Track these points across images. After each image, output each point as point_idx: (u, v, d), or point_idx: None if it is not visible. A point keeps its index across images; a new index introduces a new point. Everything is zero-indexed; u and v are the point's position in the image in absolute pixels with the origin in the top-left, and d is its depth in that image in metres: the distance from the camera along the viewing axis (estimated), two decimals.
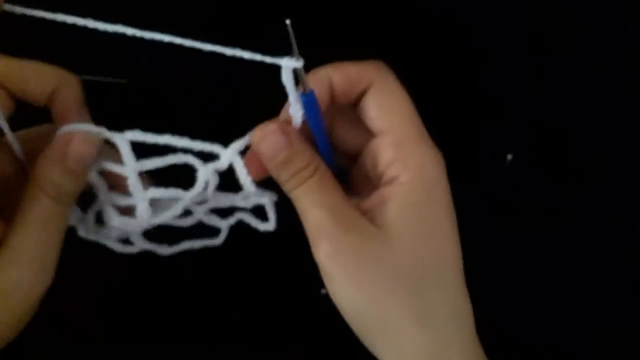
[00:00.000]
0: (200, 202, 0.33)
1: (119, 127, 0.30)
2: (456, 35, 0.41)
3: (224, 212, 0.34)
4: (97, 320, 0.40)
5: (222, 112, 0.40)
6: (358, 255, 0.26)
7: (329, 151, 0.30)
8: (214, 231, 0.34)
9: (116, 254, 0.33)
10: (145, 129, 0.30)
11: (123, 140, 0.29)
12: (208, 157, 0.31)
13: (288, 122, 0.29)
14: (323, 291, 0.29)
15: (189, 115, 0.40)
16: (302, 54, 0.27)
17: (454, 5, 0.40)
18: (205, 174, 0.30)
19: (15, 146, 0.29)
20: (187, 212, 0.33)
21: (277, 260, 0.39)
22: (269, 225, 0.33)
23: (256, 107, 0.38)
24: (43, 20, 0.39)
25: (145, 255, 0.33)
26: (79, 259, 0.31)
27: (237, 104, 0.40)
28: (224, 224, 0.34)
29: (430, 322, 0.26)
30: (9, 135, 0.29)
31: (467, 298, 0.28)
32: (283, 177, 0.28)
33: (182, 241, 0.34)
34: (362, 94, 0.28)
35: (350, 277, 0.26)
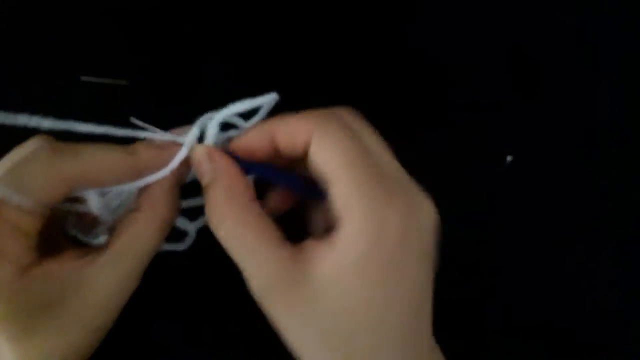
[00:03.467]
0: None
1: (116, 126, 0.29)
2: (456, 35, 0.41)
3: (193, 215, 0.33)
4: None
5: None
6: (283, 297, 0.26)
7: (296, 183, 0.30)
8: (181, 235, 0.34)
9: None
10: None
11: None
12: None
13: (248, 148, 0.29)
14: None
15: (189, 115, 0.40)
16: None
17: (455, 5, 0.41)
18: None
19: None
20: None
21: None
22: None
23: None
24: (43, 20, 0.39)
25: None
26: None
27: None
28: (192, 227, 0.33)
29: None
30: None
31: (414, 342, 0.27)
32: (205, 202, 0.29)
33: None
34: (308, 146, 0.27)
35: (275, 316, 0.26)
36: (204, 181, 0.28)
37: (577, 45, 0.41)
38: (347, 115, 0.28)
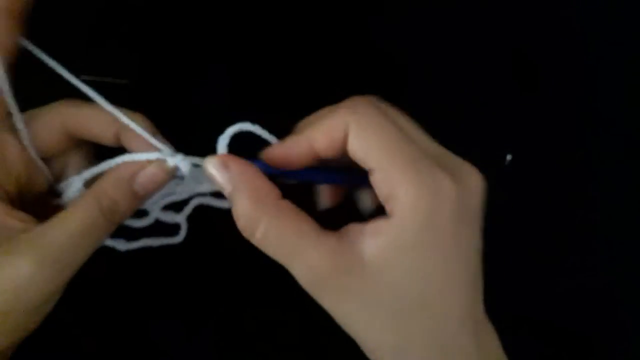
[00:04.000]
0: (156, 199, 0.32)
1: None
2: (456, 36, 0.41)
3: (178, 208, 0.33)
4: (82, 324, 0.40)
5: (222, 112, 0.40)
6: (333, 289, 0.25)
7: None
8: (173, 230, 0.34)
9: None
10: None
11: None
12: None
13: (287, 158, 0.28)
14: None
15: (190, 116, 0.40)
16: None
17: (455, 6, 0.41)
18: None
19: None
20: (142, 213, 0.32)
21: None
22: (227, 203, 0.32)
23: (256, 107, 0.38)
24: (44, 20, 0.39)
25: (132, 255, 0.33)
26: None
27: (237, 104, 0.40)
28: (182, 218, 0.33)
29: (406, 356, 0.26)
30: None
31: (469, 328, 0.26)
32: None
33: (141, 239, 0.33)
34: (345, 141, 0.27)
35: (330, 306, 0.26)
36: (226, 192, 0.27)
37: (577, 45, 0.41)
38: (379, 102, 0.28)
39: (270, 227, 0.26)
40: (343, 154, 0.27)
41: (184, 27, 0.40)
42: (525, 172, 0.41)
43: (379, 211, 0.27)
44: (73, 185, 0.30)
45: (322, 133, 0.27)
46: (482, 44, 0.41)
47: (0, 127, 0.28)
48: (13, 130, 0.28)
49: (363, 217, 0.29)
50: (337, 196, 0.33)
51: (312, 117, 0.29)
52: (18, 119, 0.28)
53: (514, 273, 0.40)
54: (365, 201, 0.32)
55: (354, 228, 0.26)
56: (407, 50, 0.41)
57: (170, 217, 0.33)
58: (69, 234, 0.26)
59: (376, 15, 0.41)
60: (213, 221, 0.33)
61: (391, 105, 0.28)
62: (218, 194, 0.32)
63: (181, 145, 0.30)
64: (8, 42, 0.26)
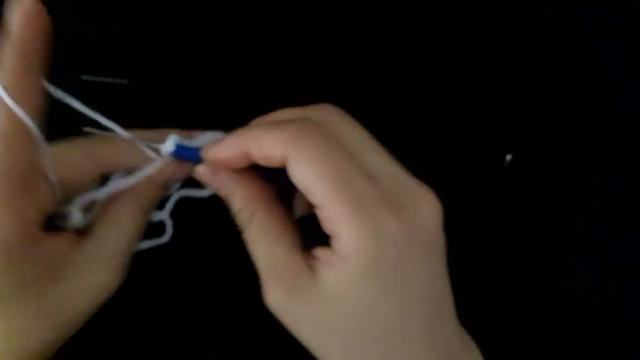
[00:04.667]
0: None
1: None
2: (456, 35, 0.41)
3: (160, 205, 0.33)
4: None
5: (222, 112, 0.40)
6: (294, 312, 0.26)
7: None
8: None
9: None
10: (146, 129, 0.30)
11: None
12: None
13: (220, 161, 0.28)
14: None
15: (190, 116, 0.40)
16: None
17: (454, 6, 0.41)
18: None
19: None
20: None
21: None
22: (207, 192, 0.32)
23: (257, 107, 0.38)
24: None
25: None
26: None
27: (237, 104, 0.40)
28: (165, 215, 0.33)
29: None
30: None
31: (440, 334, 0.26)
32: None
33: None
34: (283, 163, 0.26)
35: (292, 329, 0.26)
36: (222, 195, 0.28)
37: (578, 45, 0.41)
38: (326, 118, 0.27)
39: (259, 217, 0.27)
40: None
41: (184, 26, 0.40)
42: (525, 172, 0.41)
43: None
44: (76, 211, 0.29)
45: (258, 149, 0.26)
46: (483, 43, 0.41)
47: (35, 168, 0.27)
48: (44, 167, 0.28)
49: None
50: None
51: (266, 119, 0.29)
52: (50, 171, 0.27)
53: (514, 272, 0.40)
54: (297, 206, 0.31)
55: (318, 252, 0.26)
56: (407, 50, 0.41)
57: (154, 216, 0.33)
58: (126, 237, 0.29)
59: (374, 11, 0.41)
60: (198, 216, 0.34)
61: (344, 115, 0.27)
62: (195, 183, 0.32)
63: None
64: (31, 94, 0.25)
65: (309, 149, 0.24)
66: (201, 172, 0.28)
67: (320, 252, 0.26)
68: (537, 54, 0.41)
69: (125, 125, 0.29)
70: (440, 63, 0.41)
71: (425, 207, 0.26)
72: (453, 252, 0.28)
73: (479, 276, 0.39)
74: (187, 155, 0.29)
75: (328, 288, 0.25)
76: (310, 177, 0.24)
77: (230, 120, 0.37)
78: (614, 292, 0.41)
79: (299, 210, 0.31)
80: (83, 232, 0.29)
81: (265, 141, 0.25)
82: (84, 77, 0.37)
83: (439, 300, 0.26)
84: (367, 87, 0.41)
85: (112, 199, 0.29)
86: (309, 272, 0.25)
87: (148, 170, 0.29)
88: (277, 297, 0.26)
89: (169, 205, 0.33)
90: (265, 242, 0.26)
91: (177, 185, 0.32)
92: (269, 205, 0.27)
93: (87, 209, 0.29)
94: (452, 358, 0.27)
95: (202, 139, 0.30)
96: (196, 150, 0.29)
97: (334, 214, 0.24)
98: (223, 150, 0.27)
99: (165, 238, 0.33)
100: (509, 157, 0.40)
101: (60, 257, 0.27)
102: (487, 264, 0.40)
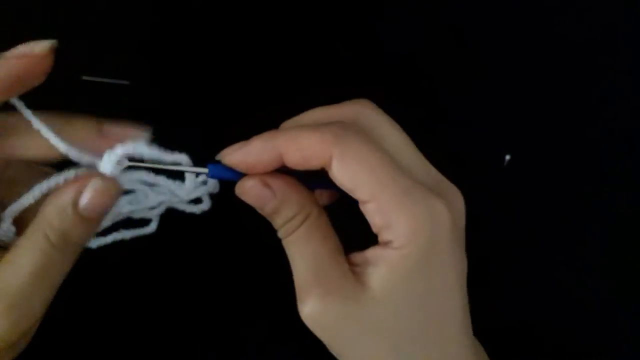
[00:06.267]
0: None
1: None
2: (456, 35, 0.41)
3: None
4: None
5: (223, 113, 0.40)
6: (338, 316, 0.25)
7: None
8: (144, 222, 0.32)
9: None
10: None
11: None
12: None
13: (249, 166, 0.26)
14: None
15: (190, 117, 0.40)
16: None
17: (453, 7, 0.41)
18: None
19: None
20: None
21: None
22: (204, 206, 0.31)
23: (256, 107, 0.38)
24: (43, 20, 0.39)
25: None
26: None
27: (237, 105, 0.40)
28: (154, 214, 0.31)
29: None
30: None
31: (469, 350, 0.27)
32: (275, 225, 0.27)
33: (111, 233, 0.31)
34: (327, 164, 0.25)
35: (329, 337, 0.26)
36: (267, 211, 0.27)
37: (577, 43, 0.41)
38: (362, 115, 0.27)
39: (310, 221, 0.26)
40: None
41: (184, 28, 0.40)
42: (525, 172, 0.41)
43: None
44: (3, 224, 0.27)
45: (298, 150, 0.25)
46: (482, 44, 0.41)
47: None
48: None
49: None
50: (328, 197, 0.31)
51: (300, 119, 0.28)
52: None
53: (514, 273, 0.40)
54: (322, 199, 0.31)
55: (357, 255, 0.26)
56: (407, 50, 0.41)
57: (142, 213, 0.32)
58: (22, 279, 0.24)
59: (375, 15, 0.41)
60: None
61: (385, 110, 0.28)
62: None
63: (181, 147, 0.30)
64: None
65: (354, 148, 0.25)
66: (249, 185, 0.26)
67: (367, 252, 0.26)
68: (537, 51, 0.41)
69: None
70: (441, 63, 0.41)
71: (457, 199, 0.27)
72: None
73: (477, 276, 0.39)
74: (224, 175, 0.27)
75: (378, 286, 0.25)
76: (358, 174, 0.25)
77: (231, 120, 0.37)
78: (614, 293, 0.41)
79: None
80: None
81: (307, 143, 0.25)
82: (86, 78, 0.37)
83: (466, 294, 0.27)
84: (364, 87, 0.41)
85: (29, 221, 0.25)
86: (354, 276, 0.26)
87: (68, 174, 0.25)
88: (316, 302, 0.25)
89: (159, 210, 0.31)
90: (313, 246, 0.26)
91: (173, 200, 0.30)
92: (320, 209, 0.27)
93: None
94: (481, 357, 0.28)
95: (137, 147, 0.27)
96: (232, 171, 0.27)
97: (385, 204, 0.25)
98: (253, 153, 0.26)
99: (150, 229, 0.32)
100: (507, 157, 0.40)
101: None
102: (486, 264, 0.40)
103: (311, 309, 0.25)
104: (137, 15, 0.40)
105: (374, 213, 0.25)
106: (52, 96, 0.38)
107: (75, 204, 0.25)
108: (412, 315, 0.25)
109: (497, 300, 0.39)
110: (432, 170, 0.27)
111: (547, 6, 0.41)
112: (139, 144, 0.26)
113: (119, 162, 0.26)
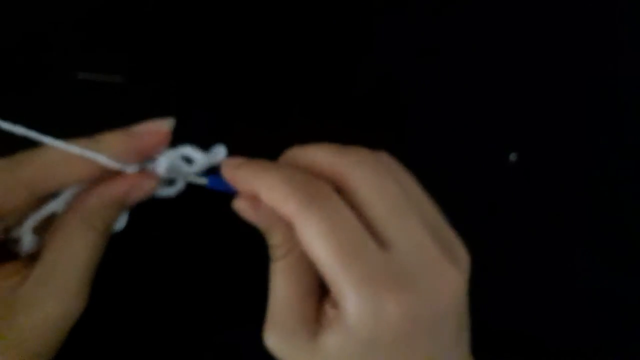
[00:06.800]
0: None
1: (116, 126, 0.29)
2: (456, 36, 0.41)
3: None
4: None
5: (223, 112, 0.40)
6: (290, 357, 0.26)
7: None
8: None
9: None
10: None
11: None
12: None
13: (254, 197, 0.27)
14: None
15: (189, 115, 0.40)
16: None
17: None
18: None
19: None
20: None
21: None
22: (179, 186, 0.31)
23: (256, 107, 0.38)
24: (41, 19, 0.39)
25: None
26: None
27: (237, 105, 0.40)
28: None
29: None
30: None
31: None
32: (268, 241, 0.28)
33: None
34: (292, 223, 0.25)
35: None
36: (260, 228, 0.27)
37: (580, 42, 0.41)
38: (354, 177, 0.26)
39: (292, 257, 0.26)
40: None
41: (180, 25, 0.40)
42: (529, 171, 0.40)
43: None
44: (27, 232, 0.28)
45: (268, 200, 0.26)
46: (482, 44, 0.41)
47: None
48: None
49: None
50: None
51: (300, 155, 0.28)
52: None
53: (514, 273, 0.40)
54: None
55: (329, 310, 0.26)
56: (407, 50, 0.41)
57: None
58: (80, 264, 0.26)
59: (371, 26, 0.41)
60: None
61: (391, 165, 0.27)
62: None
63: (177, 144, 0.30)
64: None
65: (317, 222, 0.24)
66: (241, 207, 0.27)
67: (330, 311, 0.26)
68: (537, 51, 0.41)
69: (122, 124, 0.28)
70: (442, 63, 0.41)
71: (439, 283, 0.25)
72: None
73: (480, 276, 0.39)
74: (222, 187, 0.28)
75: (325, 349, 0.25)
76: (318, 250, 0.24)
77: (227, 119, 0.37)
78: (615, 292, 0.40)
79: None
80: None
81: (275, 195, 0.25)
82: (81, 75, 0.36)
83: None
84: (364, 88, 0.40)
85: (64, 219, 0.27)
86: (314, 325, 0.26)
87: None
88: (274, 336, 0.26)
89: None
90: (287, 283, 0.26)
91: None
92: (303, 250, 0.26)
93: (42, 227, 0.27)
94: None
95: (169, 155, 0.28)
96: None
97: (338, 289, 0.24)
98: (242, 180, 0.27)
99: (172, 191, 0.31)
100: (511, 156, 0.40)
101: (5, 294, 0.25)
102: (487, 264, 0.40)
103: (269, 340, 0.26)
104: (133, 14, 0.40)
105: (328, 282, 0.25)
106: (49, 94, 0.38)
107: (125, 199, 0.27)
108: None
109: (497, 300, 0.39)
110: (426, 244, 0.25)
111: (555, 5, 0.41)
112: (186, 147, 0.29)
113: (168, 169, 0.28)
